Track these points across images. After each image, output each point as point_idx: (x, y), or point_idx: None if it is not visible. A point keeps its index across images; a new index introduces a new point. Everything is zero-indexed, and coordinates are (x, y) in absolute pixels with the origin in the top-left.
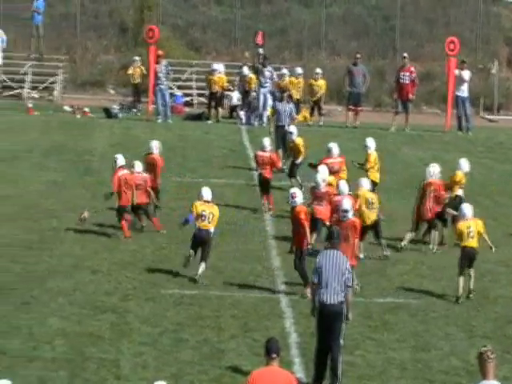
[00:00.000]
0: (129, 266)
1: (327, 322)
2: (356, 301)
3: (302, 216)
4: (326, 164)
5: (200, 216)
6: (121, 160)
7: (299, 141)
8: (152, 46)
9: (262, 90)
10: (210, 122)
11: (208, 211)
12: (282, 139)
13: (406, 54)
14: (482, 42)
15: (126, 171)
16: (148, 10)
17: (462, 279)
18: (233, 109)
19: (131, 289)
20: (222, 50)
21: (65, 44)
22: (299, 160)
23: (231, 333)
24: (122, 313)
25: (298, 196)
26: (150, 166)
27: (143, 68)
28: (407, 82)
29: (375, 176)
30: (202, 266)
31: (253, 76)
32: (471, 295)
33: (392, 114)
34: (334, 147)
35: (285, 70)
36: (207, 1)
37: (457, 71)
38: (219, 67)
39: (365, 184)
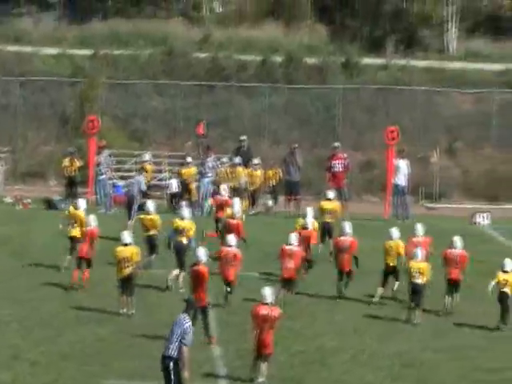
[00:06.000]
0: (68, 358)
1: None
2: None
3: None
4: None
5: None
6: None
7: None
8: (92, 136)
9: (204, 179)
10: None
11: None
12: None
13: (337, 144)
14: (421, 130)
15: None
16: (89, 100)
17: None
18: (172, 196)
19: (71, 380)
20: (163, 141)
21: (6, 135)
22: None
23: None
24: None
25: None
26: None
27: (77, 161)
28: (340, 169)
29: None
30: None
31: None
32: None
33: None
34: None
35: (225, 159)
36: (148, 91)
37: (395, 160)
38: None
39: None
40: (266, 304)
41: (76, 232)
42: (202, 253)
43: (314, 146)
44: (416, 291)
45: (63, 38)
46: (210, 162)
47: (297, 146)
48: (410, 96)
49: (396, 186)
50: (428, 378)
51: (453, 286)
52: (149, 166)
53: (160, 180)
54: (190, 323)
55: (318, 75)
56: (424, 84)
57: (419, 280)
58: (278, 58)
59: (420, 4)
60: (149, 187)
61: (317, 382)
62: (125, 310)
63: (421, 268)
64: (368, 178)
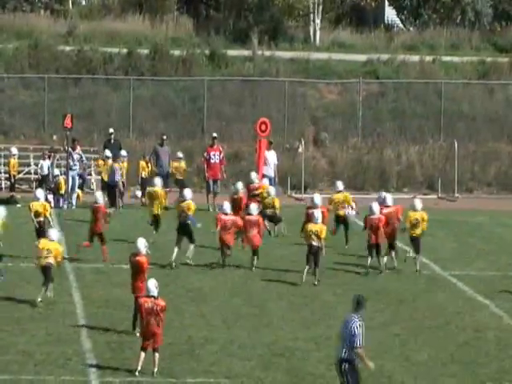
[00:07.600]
0: None
1: None
2: (167, 381)
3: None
4: None
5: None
6: None
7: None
8: None
9: (71, 172)
10: (18, 205)
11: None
12: None
13: (215, 134)
14: (288, 121)
15: None
16: None
17: None
18: (43, 179)
19: None
20: (30, 134)
21: None
22: None
23: None
24: None
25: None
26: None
27: None
28: (217, 161)
29: None
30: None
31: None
32: None
33: (205, 195)
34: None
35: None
36: (14, 84)
37: (267, 152)
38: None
39: None
40: (152, 297)
41: None
42: (141, 244)
43: (180, 138)
44: (312, 252)
45: None
46: (76, 154)
47: (166, 137)
48: (277, 87)
49: (264, 177)
50: (298, 367)
51: (374, 248)
52: (13, 160)
53: (27, 173)
54: (358, 323)
55: (184, 67)
56: (290, 75)
57: (315, 242)
58: (144, 51)
59: None
60: (15, 181)
61: (186, 373)
62: None
63: (317, 230)
64: (236, 170)
